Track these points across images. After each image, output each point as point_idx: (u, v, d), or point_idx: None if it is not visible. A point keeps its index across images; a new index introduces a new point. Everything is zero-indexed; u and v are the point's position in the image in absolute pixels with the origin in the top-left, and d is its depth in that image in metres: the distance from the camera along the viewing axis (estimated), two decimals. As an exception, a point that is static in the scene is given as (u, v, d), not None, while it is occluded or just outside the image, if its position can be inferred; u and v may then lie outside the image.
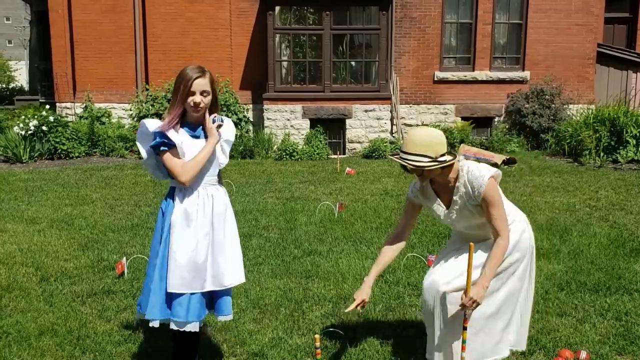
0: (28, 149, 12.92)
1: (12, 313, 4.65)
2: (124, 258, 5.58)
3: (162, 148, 3.24)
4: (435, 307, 3.51)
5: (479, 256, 3.47)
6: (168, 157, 3.25)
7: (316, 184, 10.32)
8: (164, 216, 3.38)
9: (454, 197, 3.46)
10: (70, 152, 13.30)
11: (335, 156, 13.87)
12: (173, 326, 3.33)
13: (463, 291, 3.35)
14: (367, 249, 6.26)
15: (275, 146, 14.11)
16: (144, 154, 3.35)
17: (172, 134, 3.24)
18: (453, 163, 3.40)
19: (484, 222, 3.46)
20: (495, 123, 15.16)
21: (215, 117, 3.37)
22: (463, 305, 3.31)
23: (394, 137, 14.48)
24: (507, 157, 12.08)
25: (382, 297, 4.93)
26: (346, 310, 3.48)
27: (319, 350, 3.29)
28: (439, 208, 3.56)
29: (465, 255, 3.48)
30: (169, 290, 3.30)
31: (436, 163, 3.31)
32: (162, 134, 3.23)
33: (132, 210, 8.24)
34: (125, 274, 5.47)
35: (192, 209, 3.32)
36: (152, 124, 3.28)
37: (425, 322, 3.67)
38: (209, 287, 3.36)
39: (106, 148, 13.68)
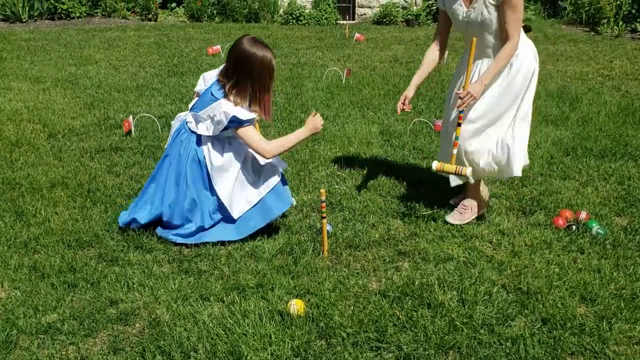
0: (27, 8, 12.52)
1: (23, 166, 4.73)
2: (131, 117, 5.57)
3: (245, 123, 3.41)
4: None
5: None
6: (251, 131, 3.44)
7: (323, 50, 10.07)
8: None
9: None
10: (71, 12, 12.90)
11: (344, 22, 13.42)
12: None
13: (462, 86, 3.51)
14: (374, 115, 6.22)
15: (282, 9, 13.61)
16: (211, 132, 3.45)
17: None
18: None
19: (496, 31, 3.47)
20: (512, -11, 14.46)
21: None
22: (460, 99, 3.46)
23: (406, 2, 13.89)
24: (522, 25, 11.65)
25: (386, 159, 4.96)
26: (398, 113, 3.77)
27: (324, 204, 3.35)
28: (460, 8, 3.56)
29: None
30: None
31: None
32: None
33: (137, 71, 8.12)
34: (133, 132, 5.48)
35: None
36: (246, 115, 3.39)
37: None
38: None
39: (107, 9, 13.24)
